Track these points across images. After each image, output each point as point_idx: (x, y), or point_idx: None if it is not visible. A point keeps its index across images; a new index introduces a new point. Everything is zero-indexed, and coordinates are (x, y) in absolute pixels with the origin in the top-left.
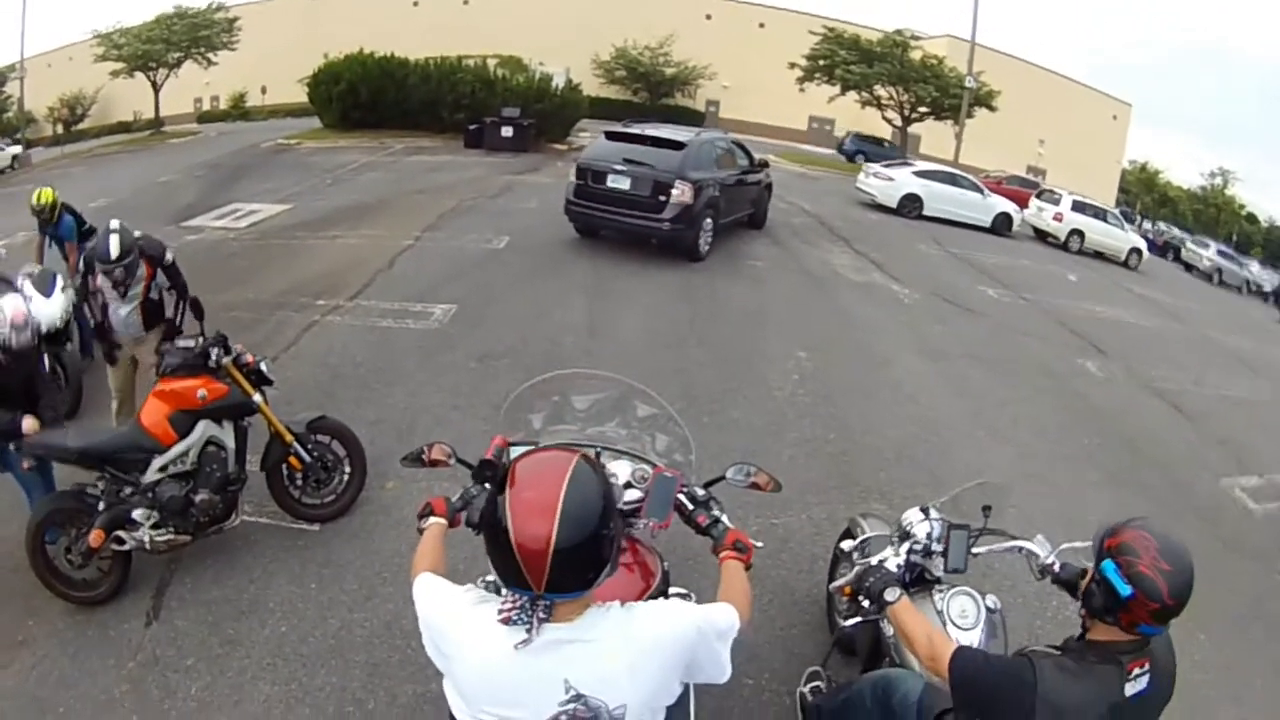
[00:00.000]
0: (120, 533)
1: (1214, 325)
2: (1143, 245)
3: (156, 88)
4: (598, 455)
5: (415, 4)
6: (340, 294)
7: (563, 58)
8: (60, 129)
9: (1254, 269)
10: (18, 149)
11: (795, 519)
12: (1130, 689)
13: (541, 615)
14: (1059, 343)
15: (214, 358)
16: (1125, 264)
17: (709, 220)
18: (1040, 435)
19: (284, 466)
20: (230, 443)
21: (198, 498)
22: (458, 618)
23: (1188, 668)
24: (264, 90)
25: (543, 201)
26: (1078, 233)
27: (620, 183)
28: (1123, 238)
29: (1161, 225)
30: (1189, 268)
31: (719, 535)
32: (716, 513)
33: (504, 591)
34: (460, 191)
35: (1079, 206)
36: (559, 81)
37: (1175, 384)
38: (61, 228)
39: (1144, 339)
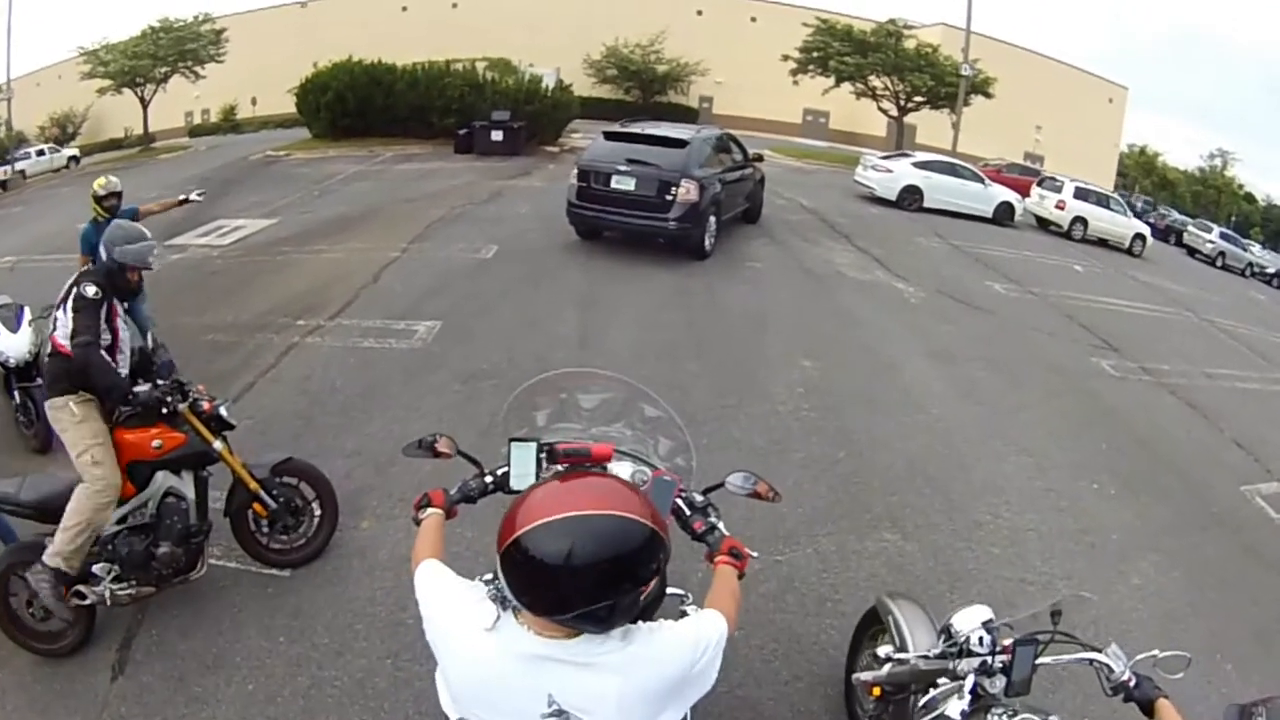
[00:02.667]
0: (81, 587)
1: (1221, 312)
2: (1146, 231)
3: (144, 103)
4: None
5: (404, 9)
6: (322, 313)
7: (553, 58)
8: (52, 148)
9: (1256, 250)
10: (74, 150)
11: (801, 554)
12: None
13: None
14: (1069, 339)
15: (169, 405)
16: (1129, 251)
17: (712, 218)
18: (1055, 442)
19: (249, 512)
20: (190, 494)
21: (159, 550)
22: (455, 614)
23: (1217, 702)
24: (254, 101)
25: (534, 207)
26: (1081, 220)
27: (625, 183)
28: (1126, 224)
29: (1162, 209)
30: (1192, 252)
31: (714, 542)
32: (713, 519)
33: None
34: (449, 199)
35: (1082, 193)
36: (549, 82)
37: (1188, 378)
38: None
39: (1154, 330)
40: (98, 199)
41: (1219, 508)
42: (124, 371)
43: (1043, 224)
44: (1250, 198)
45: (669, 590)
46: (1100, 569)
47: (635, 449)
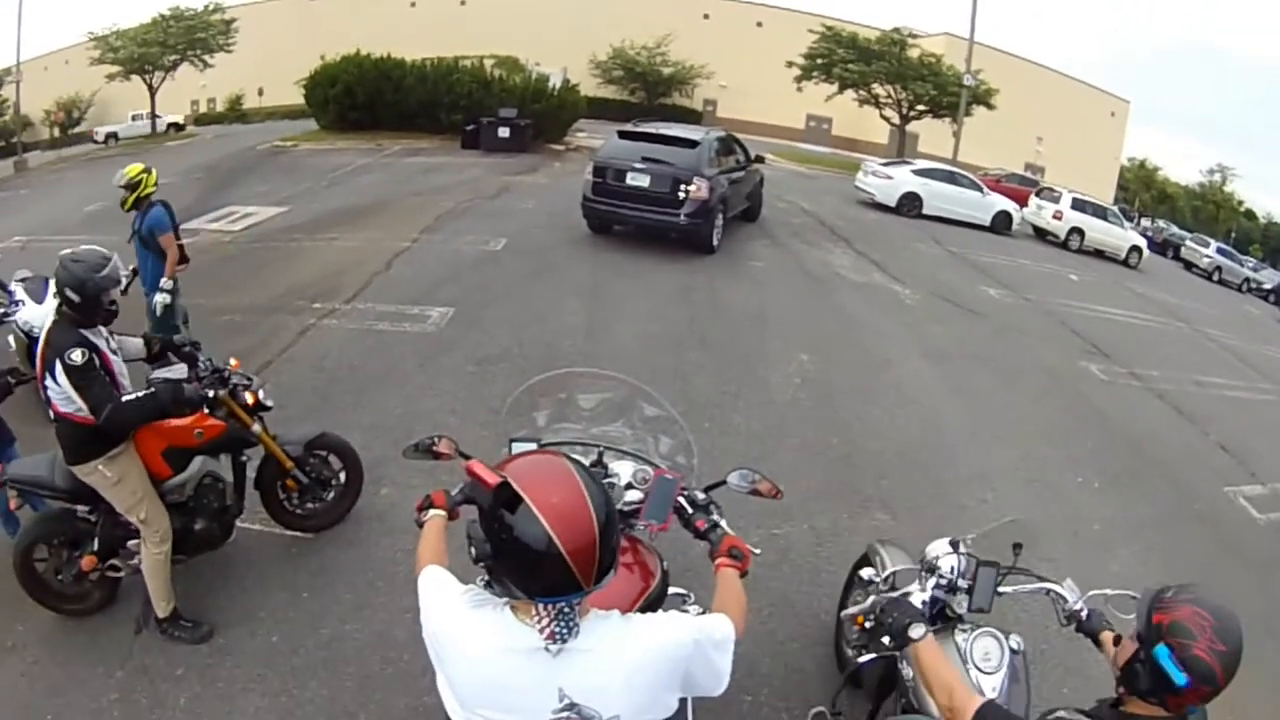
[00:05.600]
0: (115, 560)
1: (1215, 324)
2: (1143, 243)
3: (153, 90)
4: (601, 455)
5: (413, 4)
6: (336, 297)
7: (560, 58)
8: (57, 132)
9: (1252, 266)
10: (178, 117)
11: (797, 529)
12: None
13: (579, 619)
14: (1061, 344)
15: (214, 400)
16: (1125, 262)
17: (720, 214)
18: (1043, 438)
19: (279, 485)
20: (228, 477)
21: (196, 527)
22: (457, 619)
23: None
24: (261, 92)
25: (540, 203)
26: (1078, 231)
27: (640, 180)
28: (1123, 236)
29: (1160, 223)
30: (1189, 265)
31: (716, 540)
32: (715, 517)
33: (523, 608)
34: (457, 193)
35: (1079, 204)
36: (556, 82)
37: (1177, 385)
38: (151, 218)
39: (1145, 339)
40: (131, 189)
41: (1202, 506)
42: (134, 398)
43: (1040, 233)
44: (1250, 214)
45: (671, 590)
46: (1082, 555)
47: (636, 448)
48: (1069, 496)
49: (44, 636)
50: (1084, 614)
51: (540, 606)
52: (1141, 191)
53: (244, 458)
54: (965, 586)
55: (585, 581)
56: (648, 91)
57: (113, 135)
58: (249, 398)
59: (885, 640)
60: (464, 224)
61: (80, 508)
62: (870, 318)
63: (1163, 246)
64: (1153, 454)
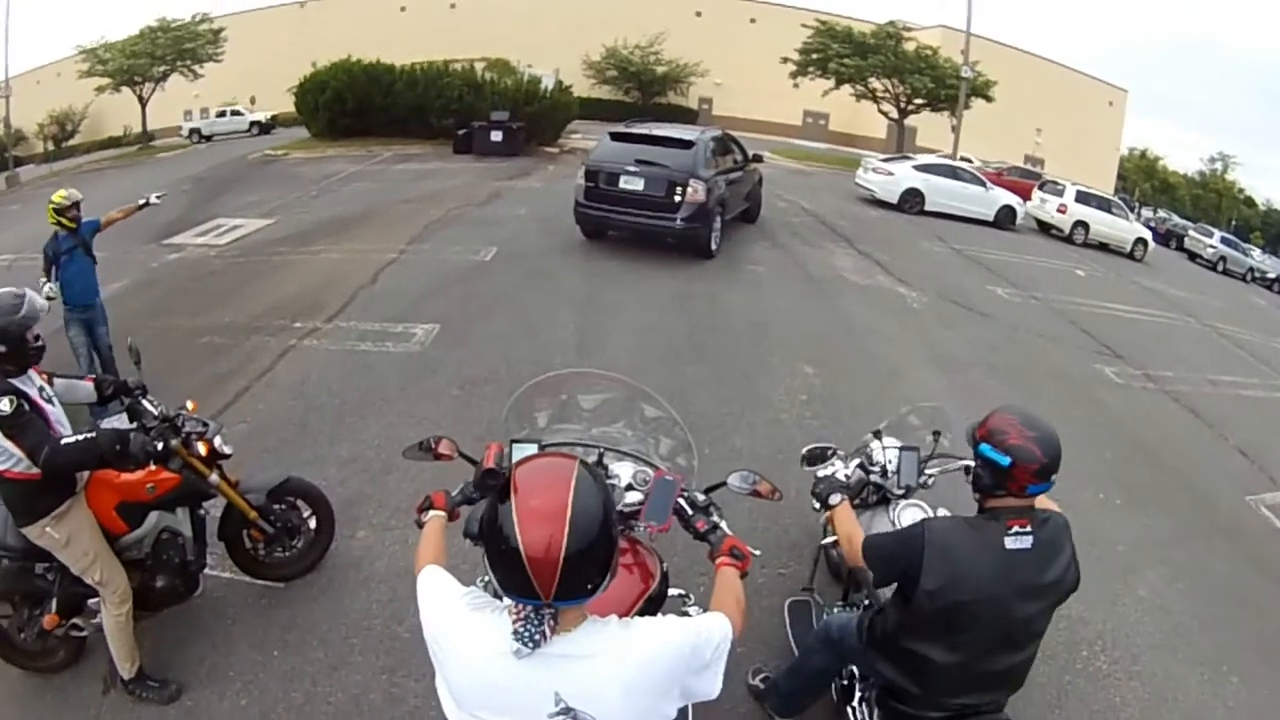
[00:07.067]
0: (77, 620)
1: (1223, 318)
2: (1148, 235)
3: (143, 102)
4: (601, 456)
5: (403, 9)
6: (319, 314)
7: (552, 59)
8: (51, 146)
9: (1257, 255)
10: (265, 114)
11: (807, 568)
12: (1011, 543)
13: (551, 625)
14: (1073, 345)
15: (163, 452)
16: (1131, 255)
17: (718, 217)
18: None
19: (245, 534)
20: (187, 530)
21: (157, 584)
22: (455, 619)
23: (1223, 716)
24: (253, 101)
25: (532, 209)
26: (1082, 225)
27: (633, 184)
28: (1127, 229)
29: (1162, 213)
30: (1193, 256)
31: (716, 541)
32: (715, 518)
33: (506, 600)
34: (448, 200)
35: (1083, 197)
36: (548, 83)
37: (1191, 385)
38: (85, 227)
39: (1156, 337)
40: (59, 210)
41: (1224, 518)
42: (73, 440)
43: (1044, 228)
44: (1250, 201)
45: (671, 591)
46: (1108, 582)
47: (636, 449)
48: (1091, 517)
49: (13, 694)
50: None
51: (516, 605)
52: (1142, 181)
53: (202, 511)
54: (894, 470)
55: (543, 593)
56: (642, 91)
57: (196, 131)
58: (201, 448)
59: (815, 506)
60: (453, 232)
61: (39, 565)
62: (876, 323)
63: (1166, 237)
64: (1172, 463)
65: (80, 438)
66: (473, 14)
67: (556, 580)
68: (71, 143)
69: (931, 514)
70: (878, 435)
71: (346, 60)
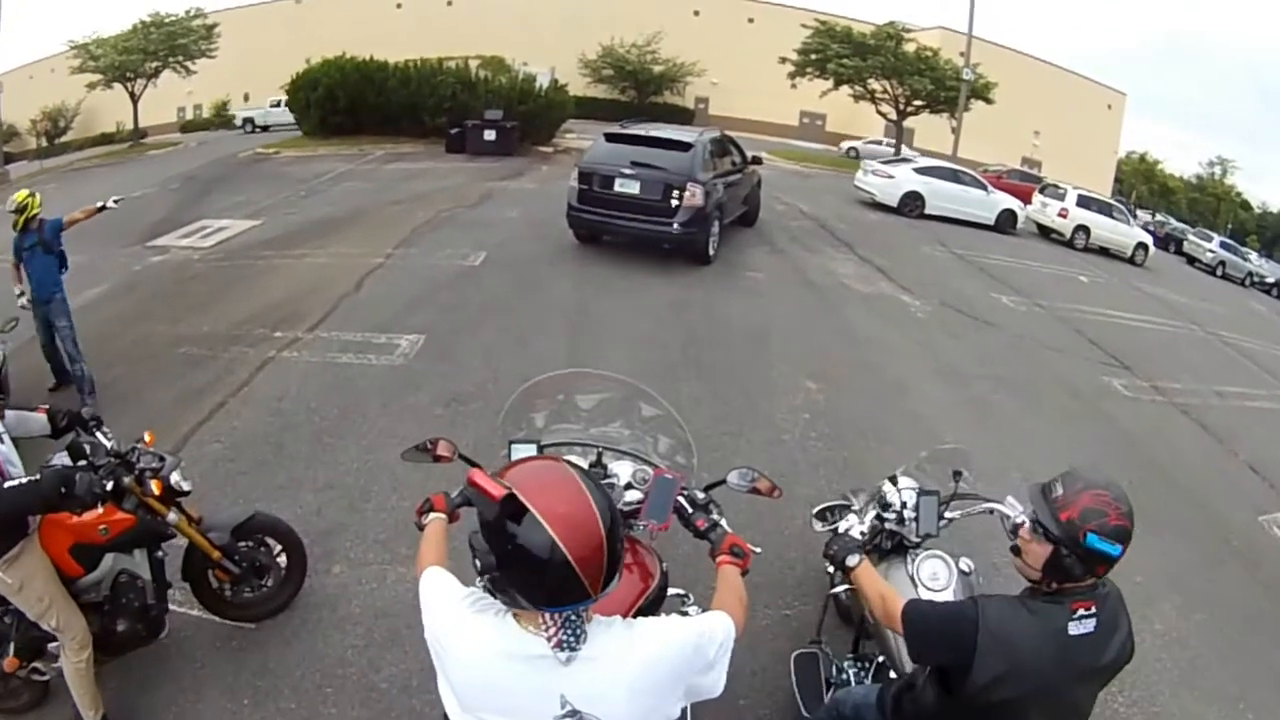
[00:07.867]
0: (39, 664)
1: (1225, 325)
2: (1149, 240)
3: (135, 98)
4: (600, 456)
5: (398, 5)
6: (300, 324)
7: (548, 57)
8: (43, 142)
9: (1255, 260)
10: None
11: (814, 607)
12: (1075, 628)
13: (587, 620)
14: (1080, 356)
15: (113, 492)
16: (1131, 260)
17: (716, 222)
18: None
19: (211, 574)
20: (145, 573)
21: (118, 628)
22: (457, 621)
23: None
24: (246, 98)
25: (524, 211)
26: (1083, 229)
27: (629, 186)
28: (1128, 233)
29: (1160, 216)
30: (1191, 260)
31: (717, 539)
32: (716, 516)
33: (527, 616)
34: (438, 201)
35: (1084, 201)
36: (544, 82)
37: (1199, 398)
38: (49, 226)
39: (1162, 346)
40: (19, 212)
41: (1239, 542)
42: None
43: (1044, 232)
44: (1246, 204)
45: (670, 591)
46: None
47: (635, 448)
48: None
49: None
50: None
51: (547, 616)
52: (1140, 184)
53: (160, 553)
54: (912, 516)
55: (593, 589)
56: (638, 90)
57: (250, 121)
58: (155, 487)
59: (830, 571)
60: (442, 236)
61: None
62: (879, 334)
63: (1164, 241)
64: (1184, 482)
65: (21, 481)
66: (469, 11)
67: (604, 571)
68: (64, 139)
69: (954, 567)
70: (893, 480)
71: (339, 57)
